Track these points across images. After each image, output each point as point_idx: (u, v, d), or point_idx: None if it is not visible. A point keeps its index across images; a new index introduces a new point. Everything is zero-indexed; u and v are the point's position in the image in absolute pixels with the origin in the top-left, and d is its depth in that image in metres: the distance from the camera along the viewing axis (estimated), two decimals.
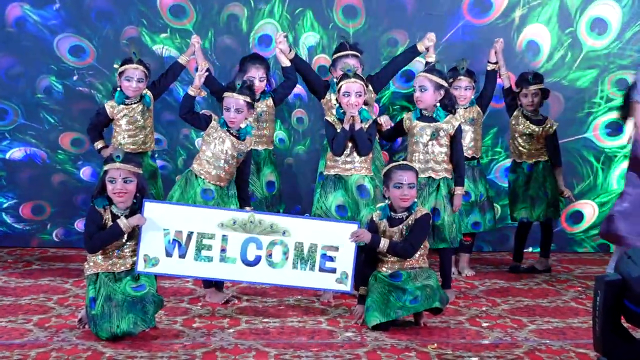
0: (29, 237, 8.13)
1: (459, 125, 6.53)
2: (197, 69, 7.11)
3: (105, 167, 5.50)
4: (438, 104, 6.51)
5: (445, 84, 6.51)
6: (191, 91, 6.29)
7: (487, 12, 8.12)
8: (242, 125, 6.36)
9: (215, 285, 6.31)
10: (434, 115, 6.51)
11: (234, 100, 6.20)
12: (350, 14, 8.06)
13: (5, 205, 8.10)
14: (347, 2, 8.06)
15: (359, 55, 7.11)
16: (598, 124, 8.24)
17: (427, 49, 7.20)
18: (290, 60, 7.08)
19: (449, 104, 6.54)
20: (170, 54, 7.90)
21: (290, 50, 7.10)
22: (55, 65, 7.93)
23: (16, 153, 8.05)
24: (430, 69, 6.65)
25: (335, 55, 7.12)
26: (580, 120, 8.19)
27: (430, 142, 6.49)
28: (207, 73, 6.49)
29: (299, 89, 7.75)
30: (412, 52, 7.25)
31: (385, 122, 6.57)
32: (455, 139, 6.52)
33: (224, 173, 6.23)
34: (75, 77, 7.98)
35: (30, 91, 7.97)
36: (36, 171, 8.07)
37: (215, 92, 6.95)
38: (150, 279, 5.57)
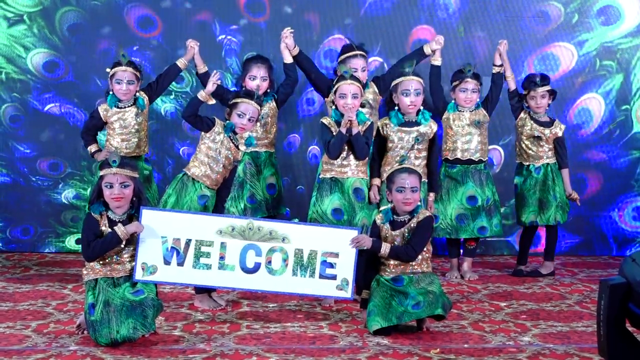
0: None
1: (437, 129, 6.71)
2: (196, 73, 7.11)
3: (101, 173, 5.44)
4: (422, 107, 6.61)
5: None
6: (201, 96, 6.22)
7: None
8: (245, 135, 6.35)
9: (207, 290, 6.25)
10: (418, 120, 6.59)
11: (252, 108, 6.18)
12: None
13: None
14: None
15: (366, 55, 7.09)
16: (533, 63, 8.27)
17: (434, 52, 7.18)
18: (294, 57, 7.07)
19: (425, 107, 6.72)
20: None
21: (295, 47, 7.08)
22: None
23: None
24: (415, 72, 6.69)
25: (342, 57, 7.10)
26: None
27: (413, 147, 6.57)
28: (219, 81, 6.43)
29: None
30: (419, 55, 7.25)
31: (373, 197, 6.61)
32: (434, 143, 6.63)
33: (220, 177, 6.20)
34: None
35: None
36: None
37: (223, 97, 6.90)
38: (148, 284, 5.52)
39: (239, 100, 6.21)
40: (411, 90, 6.63)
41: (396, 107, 6.71)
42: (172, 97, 7.98)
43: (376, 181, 6.62)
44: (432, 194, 6.85)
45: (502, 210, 7.47)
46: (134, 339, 5.26)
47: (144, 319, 5.28)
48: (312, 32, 8.12)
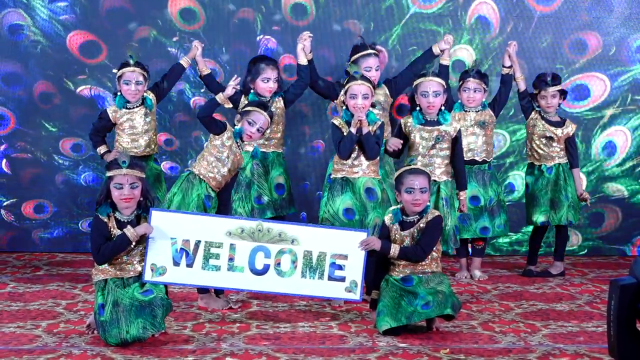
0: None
1: (460, 128, 6.74)
2: (199, 75, 7.13)
3: (110, 173, 5.43)
4: (443, 107, 6.63)
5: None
6: (219, 99, 6.23)
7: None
8: (250, 148, 6.40)
9: (215, 291, 6.25)
10: (439, 119, 6.62)
11: (264, 119, 6.22)
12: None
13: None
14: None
15: (378, 54, 7.10)
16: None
17: (443, 51, 7.18)
18: (309, 61, 7.09)
19: (447, 107, 6.76)
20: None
21: (310, 52, 7.11)
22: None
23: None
24: (434, 72, 6.72)
25: (355, 56, 7.11)
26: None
27: (434, 146, 6.57)
28: (238, 86, 6.44)
29: None
30: (429, 55, 7.26)
31: (393, 144, 6.64)
32: (457, 142, 6.68)
33: (223, 180, 6.21)
34: (175, 39, 8.01)
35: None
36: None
37: (238, 103, 6.91)
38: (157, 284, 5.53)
39: (251, 108, 6.24)
40: (429, 92, 6.66)
41: (418, 107, 6.73)
42: (202, 90, 7.92)
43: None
44: (462, 192, 6.83)
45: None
46: (144, 339, 5.26)
47: (153, 319, 5.29)
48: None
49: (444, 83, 6.73)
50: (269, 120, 6.28)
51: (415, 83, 6.77)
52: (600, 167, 8.28)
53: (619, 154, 8.29)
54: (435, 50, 7.21)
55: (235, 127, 6.23)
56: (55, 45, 7.99)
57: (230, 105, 6.82)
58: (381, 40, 7.98)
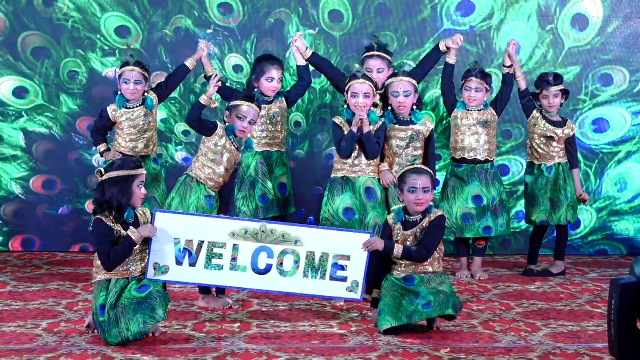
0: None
1: (433, 127, 6.77)
2: (205, 76, 7.12)
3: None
4: (414, 107, 6.64)
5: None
6: (203, 100, 6.22)
7: (468, 16, 8.17)
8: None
9: (216, 290, 6.25)
10: (412, 119, 6.63)
11: (254, 111, 6.19)
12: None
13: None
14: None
15: (386, 56, 7.08)
16: (585, 121, 8.25)
17: (449, 49, 7.15)
18: (307, 60, 7.09)
19: (419, 105, 6.75)
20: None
21: (307, 49, 7.11)
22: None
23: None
24: (405, 72, 6.72)
25: (362, 56, 7.13)
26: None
27: (409, 146, 6.58)
28: (220, 83, 6.43)
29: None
30: (437, 53, 7.23)
31: (388, 182, 6.61)
32: (430, 141, 6.68)
33: (222, 180, 6.20)
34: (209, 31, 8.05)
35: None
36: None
37: (228, 99, 6.90)
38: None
39: (239, 102, 6.21)
40: (400, 92, 6.65)
41: (389, 107, 6.73)
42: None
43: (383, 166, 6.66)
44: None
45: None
46: (146, 333, 5.25)
47: (152, 312, 5.26)
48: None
49: (415, 83, 6.71)
50: (259, 110, 6.27)
51: (387, 83, 6.76)
52: (612, 204, 8.30)
53: (630, 190, 8.32)
54: (442, 47, 7.18)
55: (226, 124, 6.22)
56: (89, 25, 7.99)
57: (218, 104, 6.78)
58: (414, 56, 8.03)
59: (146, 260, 5.51)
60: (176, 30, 8.03)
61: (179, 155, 8.09)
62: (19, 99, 8.04)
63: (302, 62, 7.12)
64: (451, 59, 7.17)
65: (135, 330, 5.22)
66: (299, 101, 7.72)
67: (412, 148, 6.72)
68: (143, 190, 5.43)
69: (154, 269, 5.55)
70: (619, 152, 8.28)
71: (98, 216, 5.36)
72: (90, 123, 7.81)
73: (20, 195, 8.12)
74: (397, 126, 6.71)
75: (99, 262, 5.40)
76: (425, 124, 6.73)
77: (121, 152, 6.86)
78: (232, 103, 6.25)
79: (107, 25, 8.01)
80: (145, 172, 5.49)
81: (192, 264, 5.68)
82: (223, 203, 6.29)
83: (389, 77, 6.79)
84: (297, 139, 8.18)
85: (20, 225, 8.16)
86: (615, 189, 8.30)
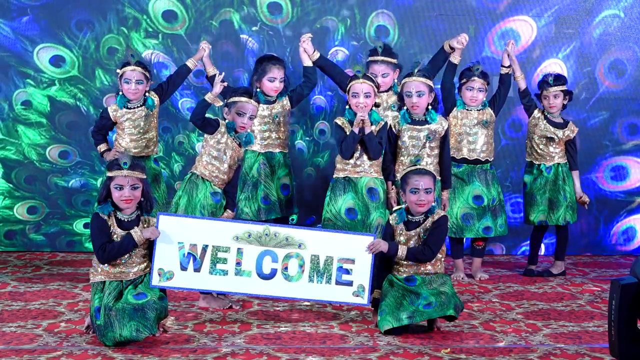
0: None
1: (448, 125, 6.75)
2: (206, 76, 7.12)
3: (111, 174, 5.37)
4: (430, 107, 6.59)
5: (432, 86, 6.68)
6: (208, 98, 6.22)
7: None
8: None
9: None
10: (427, 118, 6.60)
11: (252, 107, 6.19)
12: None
13: None
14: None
15: (391, 61, 7.06)
16: (604, 166, 8.27)
17: (453, 49, 7.13)
18: (314, 62, 7.09)
19: (434, 105, 6.70)
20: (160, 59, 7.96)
21: (314, 51, 7.10)
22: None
23: None
24: (420, 72, 6.66)
25: (366, 60, 7.15)
26: (586, 160, 8.15)
27: (425, 145, 6.56)
28: (224, 82, 6.43)
29: (321, 99, 7.80)
30: (442, 54, 7.22)
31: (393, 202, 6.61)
32: (445, 140, 6.67)
33: (226, 177, 6.20)
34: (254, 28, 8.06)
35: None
36: None
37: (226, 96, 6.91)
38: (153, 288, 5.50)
39: (236, 99, 6.20)
40: (413, 92, 6.63)
41: (405, 107, 6.71)
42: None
43: (393, 189, 6.65)
44: (445, 192, 6.82)
45: None
46: (139, 340, 5.24)
47: (146, 321, 5.23)
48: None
49: (429, 83, 6.66)
50: (257, 105, 6.25)
51: (401, 83, 6.75)
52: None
53: (636, 240, 8.33)
54: (446, 46, 7.17)
55: (226, 120, 6.22)
56: (137, 4, 7.98)
57: (221, 103, 6.78)
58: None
59: (145, 264, 5.50)
60: (222, 22, 8.02)
61: (199, 145, 8.04)
62: (55, 67, 8.03)
63: (309, 63, 7.12)
64: (455, 59, 7.16)
65: (127, 335, 5.20)
66: (326, 109, 7.71)
67: (428, 148, 6.70)
68: (126, 193, 5.34)
69: (159, 274, 5.54)
70: (632, 202, 8.32)
71: (95, 211, 5.42)
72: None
73: (34, 162, 8.10)
74: (412, 126, 6.70)
75: (95, 263, 5.42)
76: (441, 124, 6.71)
77: (125, 149, 6.84)
78: (231, 99, 6.24)
79: (156, 8, 8.00)
80: (125, 175, 5.35)
81: (197, 269, 5.67)
82: (229, 199, 6.28)
83: (405, 76, 6.75)
84: (319, 147, 8.16)
85: (29, 190, 8.13)
86: (622, 238, 8.33)
